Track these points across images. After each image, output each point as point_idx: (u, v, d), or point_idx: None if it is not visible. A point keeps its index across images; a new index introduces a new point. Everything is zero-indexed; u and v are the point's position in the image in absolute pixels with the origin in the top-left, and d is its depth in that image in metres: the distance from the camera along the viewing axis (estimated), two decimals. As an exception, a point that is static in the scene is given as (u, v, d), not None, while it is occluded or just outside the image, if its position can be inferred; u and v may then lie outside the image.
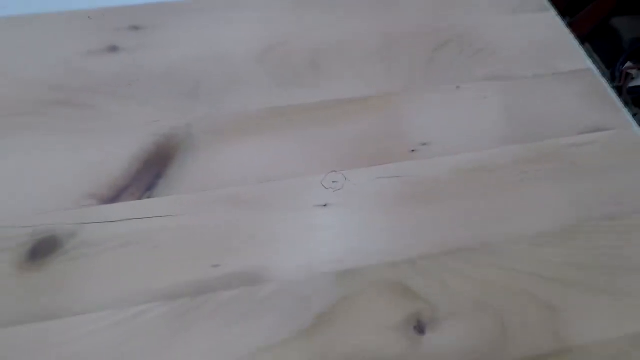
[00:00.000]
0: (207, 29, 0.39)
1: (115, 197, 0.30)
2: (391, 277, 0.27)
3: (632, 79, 1.05)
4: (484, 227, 0.30)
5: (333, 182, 0.31)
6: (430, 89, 0.36)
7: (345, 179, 0.31)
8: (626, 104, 1.03)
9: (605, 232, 0.30)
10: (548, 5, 0.41)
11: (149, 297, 0.26)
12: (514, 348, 0.26)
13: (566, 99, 0.36)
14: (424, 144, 0.33)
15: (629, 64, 1.07)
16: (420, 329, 0.26)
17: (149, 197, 0.30)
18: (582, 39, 1.12)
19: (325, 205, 0.30)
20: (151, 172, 0.31)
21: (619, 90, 1.04)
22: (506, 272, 0.28)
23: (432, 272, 0.28)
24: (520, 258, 0.29)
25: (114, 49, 0.37)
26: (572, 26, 1.18)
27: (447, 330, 0.26)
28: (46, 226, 0.28)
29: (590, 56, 1.13)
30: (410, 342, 0.25)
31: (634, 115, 1.03)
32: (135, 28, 0.39)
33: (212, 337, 0.25)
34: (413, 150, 0.32)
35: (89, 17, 0.39)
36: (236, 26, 0.39)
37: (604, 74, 1.10)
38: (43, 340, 0.25)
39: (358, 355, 0.25)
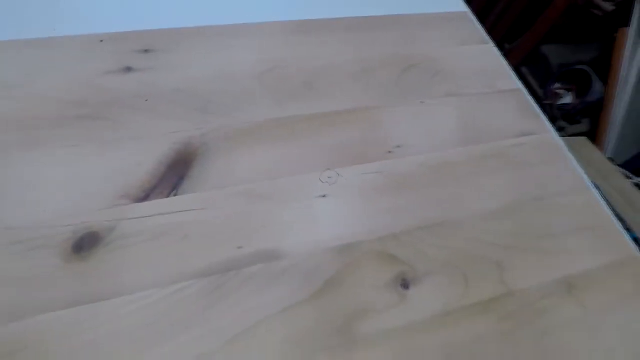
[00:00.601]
0: (212, 53, 0.45)
1: (145, 196, 0.35)
2: (380, 248, 0.35)
3: (561, 97, 1.24)
4: (448, 208, 0.38)
5: (329, 177, 0.38)
6: (401, 103, 0.44)
7: (339, 175, 0.38)
8: (556, 119, 1.21)
9: (536, 208, 0.39)
10: (488, 39, 0.52)
11: (184, 277, 0.31)
12: (474, 294, 0.34)
13: (504, 111, 0.46)
14: (398, 147, 0.41)
15: (557, 85, 1.26)
16: (405, 285, 0.33)
17: (175, 195, 0.35)
18: (520, 63, 1.30)
19: (324, 196, 0.37)
20: (175, 174, 0.36)
21: (551, 107, 1.21)
22: (466, 240, 0.36)
23: (410, 243, 0.35)
24: (475, 230, 0.37)
25: (128, 69, 0.42)
26: (511, 52, 1.36)
27: (425, 285, 0.34)
28: (86, 224, 0.33)
29: (527, 78, 1.31)
30: (398, 296, 0.33)
31: (563, 128, 1.21)
32: (146, 51, 0.44)
33: (243, 304, 0.31)
34: (390, 152, 0.40)
35: (101, 40, 0.44)
36: (238, 51, 0.45)
37: (538, 94, 1.28)
38: (91, 320, 0.29)
39: (361, 308, 0.32)
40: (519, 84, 0.48)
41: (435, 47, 0.49)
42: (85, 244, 0.32)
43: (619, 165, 0.92)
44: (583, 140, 0.89)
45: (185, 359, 0.28)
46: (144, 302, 0.30)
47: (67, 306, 0.29)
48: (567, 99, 1.23)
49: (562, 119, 1.21)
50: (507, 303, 0.34)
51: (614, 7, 1.09)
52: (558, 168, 0.43)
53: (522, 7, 1.22)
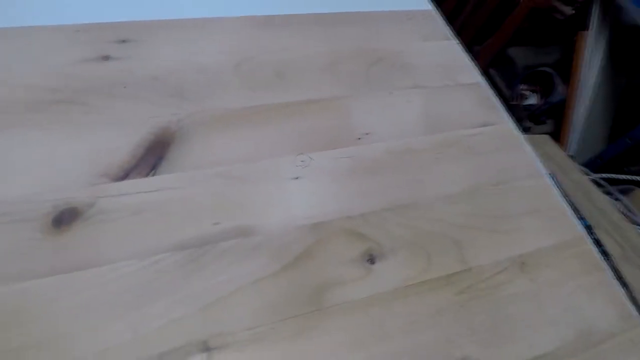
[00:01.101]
0: (187, 44, 0.47)
1: (125, 175, 0.36)
2: (348, 226, 0.37)
3: (526, 98, 1.30)
4: (412, 192, 0.41)
5: (301, 161, 0.40)
6: (369, 94, 0.47)
7: (311, 159, 0.40)
8: (522, 119, 1.27)
9: (493, 193, 0.43)
10: (451, 36, 0.55)
11: (161, 250, 0.33)
12: (435, 269, 0.36)
13: (465, 103, 0.49)
14: (367, 134, 0.44)
15: (523, 86, 1.32)
16: (372, 260, 0.36)
17: (153, 175, 0.37)
18: (488, 65, 1.36)
19: (297, 178, 0.39)
20: (154, 155, 0.38)
21: (517, 108, 1.28)
22: (428, 220, 0.39)
23: (377, 222, 0.38)
24: (437, 212, 0.40)
25: (106, 58, 0.44)
26: (480, 54, 1.41)
27: (390, 261, 0.36)
28: (66, 200, 0.34)
29: (495, 79, 1.37)
30: (365, 270, 0.35)
31: (528, 128, 1.27)
32: (123, 41, 0.45)
33: (218, 275, 0.33)
34: (359, 138, 0.43)
35: (77, 30, 0.45)
36: (211, 43, 0.47)
37: (505, 95, 1.34)
38: (70, 287, 0.30)
39: (330, 281, 0.34)
40: (479, 78, 0.51)
41: (401, 42, 0.52)
42: (65, 218, 0.33)
43: (580, 164, 0.98)
44: (545, 137, 0.94)
45: (160, 323, 0.30)
46: (122, 272, 0.31)
47: (47, 275, 0.30)
48: (532, 99, 1.30)
49: (527, 119, 1.27)
50: (465, 278, 0.37)
51: (573, 11, 1.16)
52: (515, 156, 0.46)
53: (490, 10, 1.28)
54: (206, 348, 0.29)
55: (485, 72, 1.40)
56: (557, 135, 1.21)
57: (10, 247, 0.31)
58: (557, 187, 0.44)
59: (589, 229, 0.43)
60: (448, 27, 0.55)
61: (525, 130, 1.27)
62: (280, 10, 0.52)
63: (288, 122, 0.43)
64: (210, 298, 0.31)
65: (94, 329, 0.29)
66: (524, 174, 0.45)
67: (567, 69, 1.21)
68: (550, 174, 0.44)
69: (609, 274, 0.40)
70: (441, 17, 0.56)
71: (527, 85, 1.32)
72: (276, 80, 0.46)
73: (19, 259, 0.31)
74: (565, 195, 0.44)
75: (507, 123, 0.49)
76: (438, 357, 0.32)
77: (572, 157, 0.99)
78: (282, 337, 0.31)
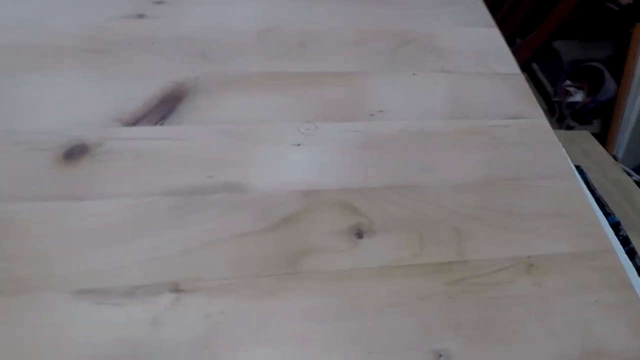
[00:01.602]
0: (216, 8, 0.48)
1: (135, 122, 0.38)
2: (343, 198, 0.36)
3: (571, 95, 1.19)
4: (419, 173, 0.39)
5: (306, 129, 0.40)
6: (392, 73, 0.45)
7: (317, 127, 0.40)
8: (565, 117, 1.16)
9: (508, 188, 0.39)
10: (493, 23, 0.52)
11: (154, 192, 0.34)
12: (427, 255, 0.34)
13: (497, 93, 0.46)
14: (381, 111, 0.42)
15: (568, 82, 1.21)
16: (359, 235, 0.34)
17: (161, 125, 0.38)
18: (530, 59, 1.27)
19: (298, 145, 0.39)
20: (165, 106, 0.39)
21: (560, 105, 1.17)
22: (430, 205, 0.37)
23: (374, 199, 0.36)
24: (442, 198, 0.38)
25: (141, 16, 0.46)
26: (522, 47, 1.32)
27: (379, 239, 0.34)
28: (78, 137, 0.36)
29: (537, 74, 1.27)
30: (351, 243, 0.34)
31: (571, 127, 1.16)
32: (159, 2, 0.48)
33: (202, 224, 0.33)
34: (372, 115, 0.42)
35: (122, -11, 0.48)
36: (239, 8, 0.48)
37: (548, 91, 1.24)
38: (68, 213, 0.32)
39: (313, 248, 0.33)
40: (516, 69, 0.47)
41: (437, 26, 0.50)
42: (75, 153, 0.35)
43: (630, 168, 0.87)
44: (585, 133, 0.85)
45: (139, 258, 0.31)
46: (116, 207, 0.33)
47: (51, 199, 0.33)
48: (578, 96, 1.18)
49: (571, 117, 1.16)
50: (460, 269, 0.34)
51: (631, 1, 1.03)
52: (542, 153, 0.42)
53: (535, 0, 1.19)
54: (177, 289, 0.30)
55: (527, 66, 1.30)
56: (604, 137, 1.09)
57: (24, 171, 0.34)
58: (585, 181, 0.39)
59: (617, 225, 0.38)
60: (490, 15, 0.52)
61: (568, 129, 1.16)
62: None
63: (301, 91, 0.42)
64: (190, 244, 0.32)
65: (81, 252, 0.31)
66: (550, 173, 0.41)
67: (618, 65, 1.08)
68: (578, 166, 0.40)
69: (636, 294, 0.36)
70: (484, 5, 0.53)
71: (573, 82, 1.20)
72: (298, 50, 0.46)
73: (29, 182, 0.33)
74: (593, 190, 0.39)
75: (541, 118, 0.45)
76: (413, 344, 0.30)
77: (614, 157, 0.89)
78: (252, 293, 0.31)
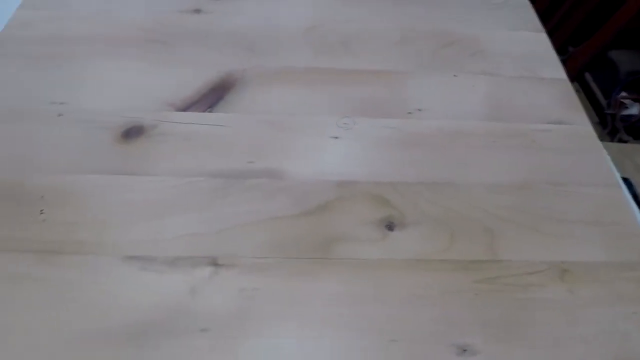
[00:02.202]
0: (266, 7, 0.51)
1: (186, 107, 0.41)
2: (375, 191, 0.37)
3: (626, 107, 1.12)
4: (454, 172, 0.39)
5: (345, 123, 0.41)
6: (432, 74, 0.46)
7: (355, 123, 0.41)
8: (618, 130, 1.10)
9: (546, 192, 0.39)
10: (541, 27, 0.51)
11: (198, 173, 0.37)
12: (457, 251, 0.34)
13: (540, 97, 0.45)
14: (419, 110, 0.43)
15: (623, 93, 1.14)
16: (390, 227, 0.35)
17: (210, 112, 0.41)
18: (583, 68, 1.20)
19: (336, 138, 0.40)
20: (214, 95, 0.42)
21: (613, 118, 1.11)
22: (463, 204, 0.37)
23: (407, 193, 0.37)
24: (476, 197, 0.38)
25: (197, 11, 0.49)
26: (574, 56, 1.26)
27: (409, 232, 0.35)
28: (136, 119, 0.40)
29: (590, 85, 1.20)
30: (381, 234, 0.35)
31: (625, 141, 1.09)
32: (216, -1, 0.51)
33: (240, 206, 0.35)
34: (410, 112, 0.42)
35: (183, -13, 0.52)
36: (288, 8, 0.51)
37: (601, 103, 1.17)
38: (123, 186, 0.35)
39: (344, 236, 0.34)
40: (563, 75, 0.46)
41: (483, 29, 0.50)
42: (132, 133, 0.39)
43: None
44: (639, 147, 0.80)
45: (182, 232, 0.33)
46: (163, 185, 0.36)
47: (108, 173, 0.36)
48: (634, 109, 1.11)
49: (625, 131, 1.09)
50: (490, 268, 0.34)
51: None
52: (585, 159, 0.41)
53: (591, 7, 1.13)
54: (215, 263, 0.32)
55: (579, 77, 1.23)
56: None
57: (87, 147, 0.38)
58: (633, 194, 0.38)
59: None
60: (539, 19, 0.51)
61: (621, 143, 1.09)
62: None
63: (341, 87, 0.44)
64: (227, 223, 0.34)
65: (131, 223, 0.34)
66: (592, 180, 0.40)
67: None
68: (626, 179, 0.38)
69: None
70: (532, 9, 0.52)
71: (629, 93, 1.13)
72: (341, 49, 0.47)
73: (91, 156, 0.37)
74: (639, 202, 0.38)
75: (586, 125, 0.43)
76: (436, 336, 0.31)
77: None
78: (284, 273, 0.32)
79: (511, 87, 0.46)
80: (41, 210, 0.33)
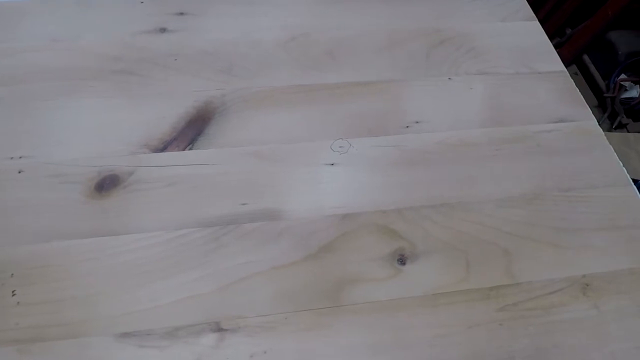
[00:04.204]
0: (240, 19, 0.46)
1: (164, 147, 0.37)
2: (381, 222, 0.34)
3: (625, 90, 1.11)
4: (460, 189, 0.36)
5: (340, 146, 0.38)
6: (426, 79, 0.43)
7: (350, 145, 0.38)
8: (618, 113, 1.09)
9: (559, 200, 0.37)
10: (532, 15, 0.48)
11: (189, 224, 0.33)
12: (475, 279, 0.32)
13: (540, 94, 0.43)
14: (417, 122, 0.40)
15: (623, 75, 1.13)
16: (402, 261, 0.33)
17: (190, 149, 0.37)
18: (582, 50, 1.19)
19: (332, 164, 0.37)
20: (193, 130, 0.38)
21: (612, 101, 1.10)
22: (474, 224, 0.35)
23: (414, 220, 0.35)
24: (487, 215, 0.35)
25: (163, 30, 0.45)
26: (573, 38, 1.24)
27: (423, 264, 0.33)
28: (109, 167, 0.36)
29: (588, 67, 1.19)
30: (393, 270, 0.32)
31: (625, 124, 1.09)
32: (181, 14, 0.46)
33: (239, 257, 0.32)
34: (407, 126, 0.39)
35: (142, 2, 0.47)
36: (265, 18, 0.46)
37: (600, 85, 1.16)
38: (106, 250, 0.32)
39: (353, 277, 0.32)
40: (560, 67, 0.44)
41: (474, 22, 0.47)
42: (107, 184, 0.35)
43: None
44: None
45: (180, 296, 0.30)
46: (150, 241, 0.32)
47: (86, 236, 0.32)
48: (634, 92, 1.10)
49: (625, 114, 1.09)
50: (510, 293, 0.32)
51: None
52: (594, 159, 0.39)
53: None
54: (219, 329, 0.29)
55: (577, 59, 1.22)
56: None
57: (58, 207, 0.33)
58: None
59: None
60: (529, 7, 0.48)
61: (621, 127, 1.09)
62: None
63: (332, 104, 0.40)
64: (227, 279, 0.31)
65: (120, 292, 0.30)
66: (603, 182, 0.38)
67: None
68: (635, 180, 0.37)
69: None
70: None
71: (629, 75, 1.12)
72: (327, 60, 0.43)
73: (64, 218, 0.33)
74: None
75: (589, 120, 0.41)
76: (464, 377, 0.29)
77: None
78: (294, 330, 0.30)
79: (509, 86, 0.43)
80: (13, 292, 0.29)
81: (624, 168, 0.39)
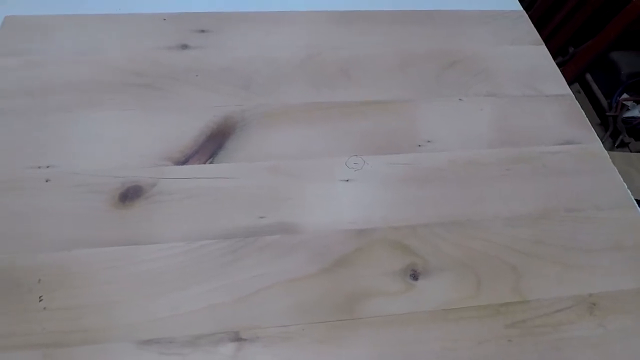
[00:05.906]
0: (259, 37, 0.48)
1: (185, 160, 0.38)
2: (394, 237, 0.35)
3: (627, 109, 1.13)
4: (471, 208, 0.38)
5: (354, 163, 0.39)
6: (437, 99, 0.44)
7: (364, 162, 0.39)
8: (620, 132, 1.11)
9: (565, 220, 0.38)
10: (539, 39, 0.50)
11: (209, 236, 0.34)
12: (484, 297, 0.33)
13: (546, 116, 0.44)
14: (429, 141, 0.41)
15: (625, 95, 1.15)
16: (414, 276, 0.34)
17: (211, 163, 0.38)
18: (585, 69, 1.21)
19: (347, 181, 0.38)
20: (214, 144, 0.39)
21: (614, 120, 1.12)
22: (484, 242, 0.36)
23: (426, 236, 0.36)
24: (495, 233, 0.37)
25: (185, 46, 0.46)
26: (575, 56, 1.26)
27: (434, 280, 0.34)
28: (133, 178, 0.37)
29: (591, 85, 1.21)
30: (405, 285, 0.33)
31: (627, 143, 1.11)
32: (202, 31, 0.48)
33: (256, 268, 0.33)
34: (419, 145, 0.41)
35: (164, 19, 0.48)
36: (283, 37, 0.48)
37: (602, 104, 1.18)
38: (128, 259, 0.33)
39: (367, 292, 0.33)
40: (566, 90, 0.46)
41: (483, 45, 0.48)
42: (130, 195, 0.36)
43: None
44: None
45: (199, 306, 0.31)
46: (172, 252, 0.33)
47: (109, 244, 0.33)
48: (635, 111, 1.12)
49: (627, 133, 1.10)
50: (519, 311, 0.33)
51: None
52: (599, 181, 0.40)
53: (594, 7, 1.12)
54: (237, 338, 0.30)
55: (579, 77, 1.24)
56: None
57: (82, 215, 0.35)
58: None
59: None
60: (536, 31, 0.50)
61: (623, 146, 1.10)
62: (356, 6, 0.51)
63: (347, 122, 0.42)
64: (246, 290, 0.32)
65: (142, 300, 0.31)
66: (609, 203, 0.39)
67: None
68: (639, 200, 0.38)
69: None
70: (529, 19, 0.51)
71: (631, 95, 1.15)
72: (342, 78, 0.45)
73: (88, 226, 0.34)
74: None
75: (595, 142, 0.43)
76: (474, 392, 0.30)
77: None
78: (310, 340, 0.31)
79: (517, 108, 0.44)
80: (40, 297, 0.31)
81: (628, 190, 0.41)
